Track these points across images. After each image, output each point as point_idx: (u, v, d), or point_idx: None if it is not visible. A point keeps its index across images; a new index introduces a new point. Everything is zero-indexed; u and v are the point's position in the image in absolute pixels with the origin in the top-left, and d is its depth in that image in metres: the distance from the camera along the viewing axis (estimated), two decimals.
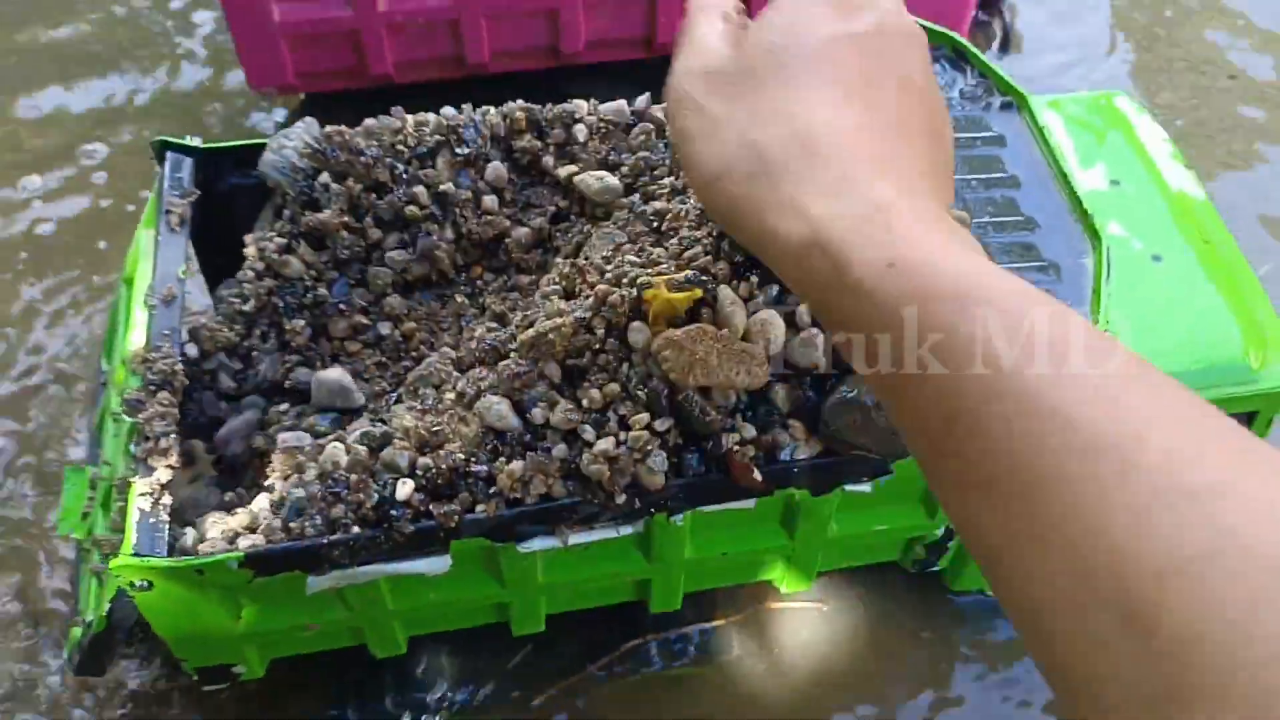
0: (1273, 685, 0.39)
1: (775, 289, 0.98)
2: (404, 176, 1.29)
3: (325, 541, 1.01)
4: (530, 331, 1.04)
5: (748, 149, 0.66)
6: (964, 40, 1.35)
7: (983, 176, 1.24)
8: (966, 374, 0.53)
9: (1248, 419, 1.19)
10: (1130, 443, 0.47)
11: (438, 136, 1.32)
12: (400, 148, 1.30)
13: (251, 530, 1.04)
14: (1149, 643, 0.43)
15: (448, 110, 1.37)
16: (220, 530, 1.04)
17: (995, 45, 3.05)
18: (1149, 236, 1.26)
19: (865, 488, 1.06)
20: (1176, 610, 0.42)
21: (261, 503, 1.06)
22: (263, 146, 1.33)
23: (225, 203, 1.38)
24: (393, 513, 1.01)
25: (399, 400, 1.18)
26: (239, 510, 1.08)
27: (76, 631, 1.11)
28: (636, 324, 1.01)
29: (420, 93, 2.63)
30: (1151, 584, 0.43)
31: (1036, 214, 1.21)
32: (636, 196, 1.23)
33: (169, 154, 1.36)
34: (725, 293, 0.98)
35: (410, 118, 1.34)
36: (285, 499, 1.04)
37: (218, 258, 1.38)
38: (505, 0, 2.29)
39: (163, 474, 1.04)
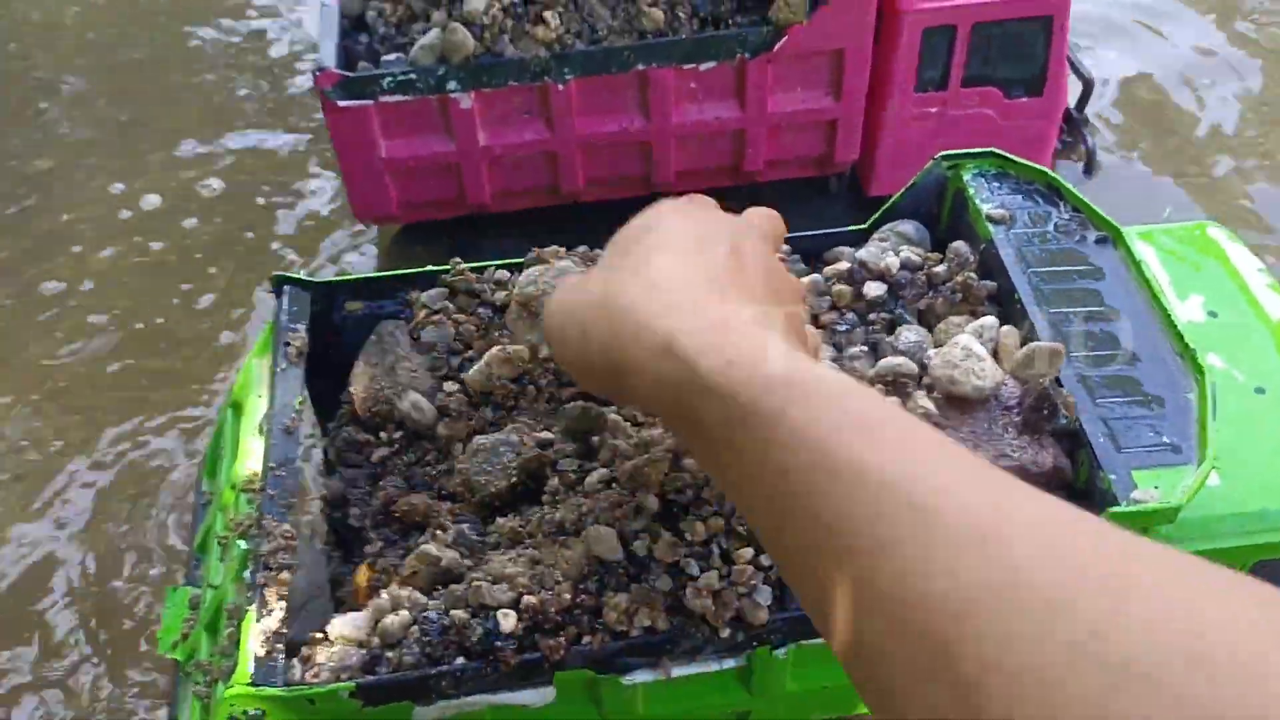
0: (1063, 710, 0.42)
1: None
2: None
3: (433, 672, 1.02)
4: (629, 464, 1.06)
5: (604, 308, 0.76)
6: (1057, 176, 1.37)
7: (1081, 310, 1.24)
8: (792, 454, 0.59)
9: None
10: (934, 501, 0.52)
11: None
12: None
13: (362, 651, 1.06)
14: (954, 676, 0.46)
15: None
16: (326, 656, 1.06)
17: (1080, 168, 3.09)
18: (1251, 368, 1.25)
19: None
20: (972, 647, 0.46)
21: (366, 630, 1.08)
22: (370, 280, 1.39)
23: (334, 332, 1.44)
24: (497, 644, 1.02)
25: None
26: (341, 635, 1.10)
27: None
28: None
29: (512, 220, 2.74)
30: (952, 625, 0.47)
31: (1137, 347, 1.21)
32: None
33: (286, 287, 1.40)
34: None
35: None
36: (391, 628, 1.06)
37: (321, 381, 1.46)
38: (601, 135, 2.41)
39: (278, 605, 1.07)
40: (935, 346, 1.20)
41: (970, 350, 1.13)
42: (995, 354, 1.18)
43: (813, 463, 0.57)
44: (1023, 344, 1.18)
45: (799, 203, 2.62)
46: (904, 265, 1.29)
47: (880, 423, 0.58)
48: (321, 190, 2.81)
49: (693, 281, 0.75)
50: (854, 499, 0.54)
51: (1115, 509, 1.02)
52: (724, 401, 0.64)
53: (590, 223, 2.56)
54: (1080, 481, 1.11)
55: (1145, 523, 1.04)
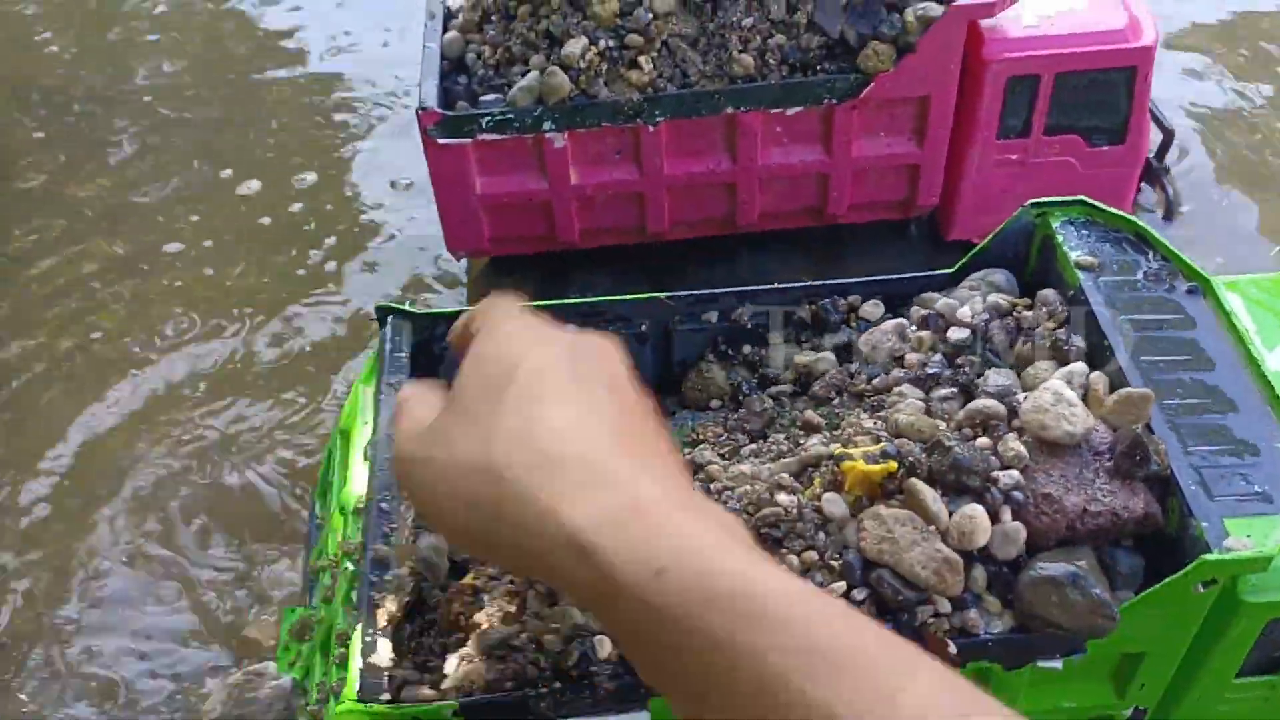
0: None
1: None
2: None
3: (533, 694, 1.05)
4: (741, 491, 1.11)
5: (488, 476, 0.64)
6: (1146, 225, 1.39)
7: (1171, 359, 1.26)
8: (744, 684, 0.52)
9: None
10: None
11: None
12: None
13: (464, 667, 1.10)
14: None
15: None
16: (434, 677, 1.11)
17: (1159, 214, 3.07)
18: None
19: (1056, 664, 1.07)
20: None
21: (469, 650, 1.12)
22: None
23: (433, 362, 1.50)
24: (592, 669, 1.06)
25: None
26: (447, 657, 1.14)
27: None
28: (831, 495, 1.06)
29: (597, 255, 2.80)
30: None
31: (1227, 396, 1.22)
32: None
33: (390, 318, 1.46)
34: (926, 491, 1.04)
35: None
36: (493, 650, 1.10)
37: None
38: (688, 176, 2.46)
39: (384, 625, 1.11)
40: (1025, 390, 1.22)
41: (1061, 395, 1.15)
42: (1085, 399, 1.20)
43: (772, 702, 0.51)
44: (1112, 390, 1.20)
45: (879, 244, 2.65)
46: (989, 310, 1.32)
47: (840, 652, 0.52)
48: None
49: (587, 442, 0.64)
50: None
51: (1208, 556, 1.03)
52: (656, 615, 0.55)
53: (672, 259, 2.63)
54: (1171, 528, 1.12)
55: (1237, 570, 1.05)
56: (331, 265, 2.80)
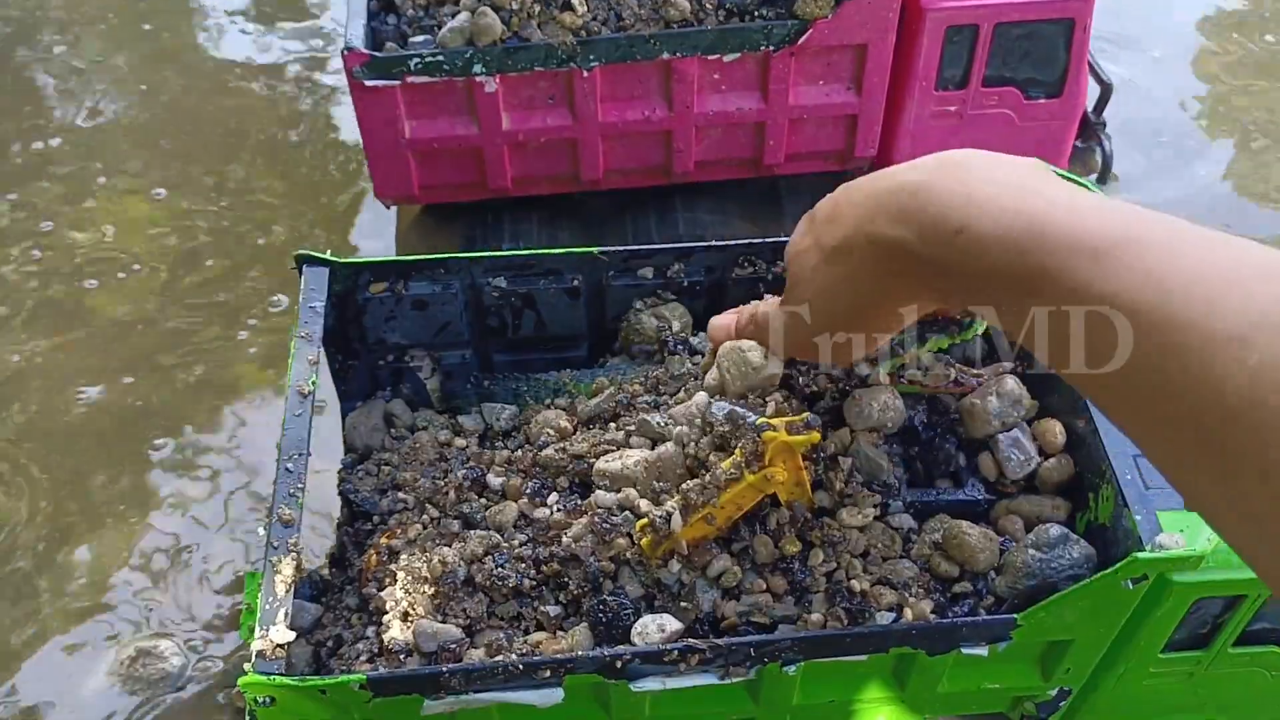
0: None
1: None
2: None
3: (445, 670, 1.02)
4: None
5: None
6: (1097, 189, 1.36)
7: None
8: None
9: None
10: None
11: None
12: None
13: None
14: None
15: None
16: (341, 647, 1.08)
17: (1094, 175, 3.07)
18: None
19: (981, 651, 1.05)
20: None
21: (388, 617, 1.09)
22: (395, 263, 1.40)
23: (358, 311, 1.45)
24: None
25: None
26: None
27: None
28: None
29: (531, 204, 2.74)
30: None
31: None
32: None
33: (306, 267, 1.40)
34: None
35: None
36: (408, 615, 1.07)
37: (350, 359, 1.49)
38: (623, 123, 2.40)
39: (284, 592, 1.07)
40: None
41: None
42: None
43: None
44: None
45: (817, 197, 2.60)
46: None
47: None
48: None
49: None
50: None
51: (1140, 555, 1.02)
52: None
53: (607, 211, 2.57)
54: (1105, 519, 1.11)
55: (1168, 569, 1.04)
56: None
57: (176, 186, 2.76)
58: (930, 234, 0.73)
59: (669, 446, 1.11)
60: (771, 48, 2.27)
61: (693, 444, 1.09)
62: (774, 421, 1.03)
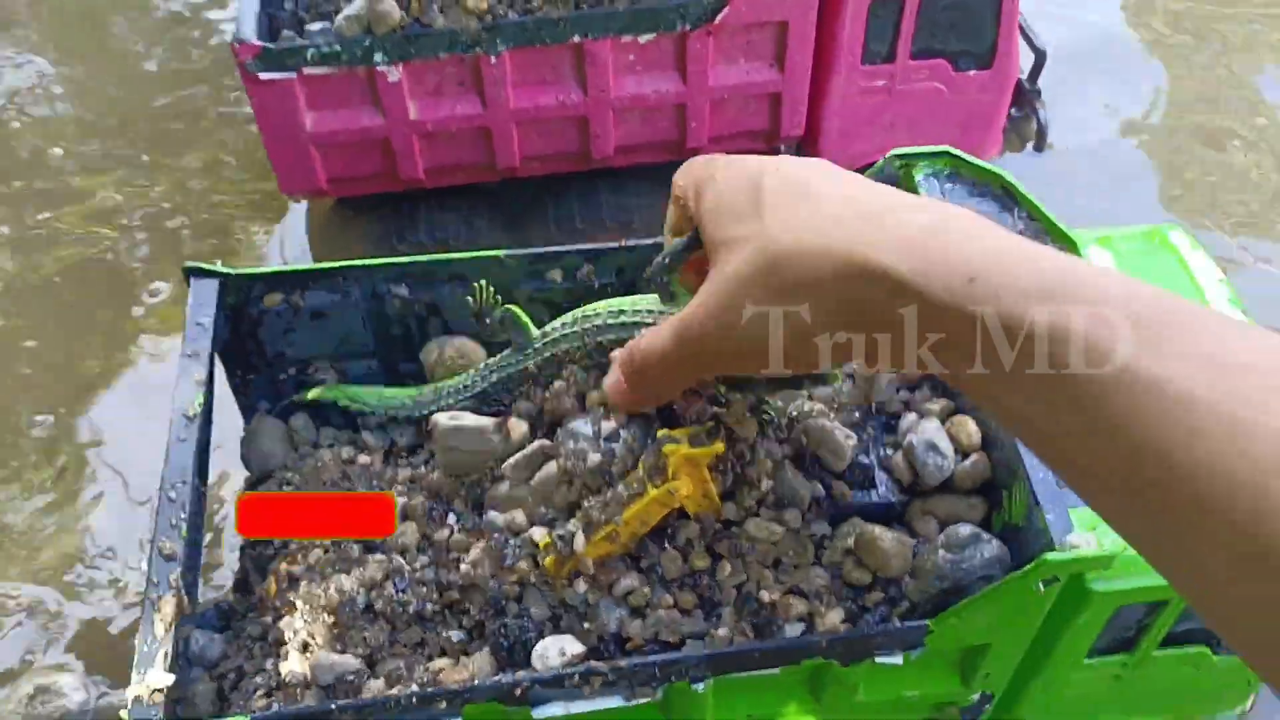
0: None
1: None
2: None
3: (334, 706, 0.98)
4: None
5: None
6: (1012, 179, 1.31)
7: None
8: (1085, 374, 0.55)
9: None
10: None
11: None
12: None
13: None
14: None
15: None
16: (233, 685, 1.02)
17: (1031, 143, 3.05)
18: None
19: (896, 659, 1.02)
20: None
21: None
22: (290, 273, 1.33)
23: (254, 325, 1.38)
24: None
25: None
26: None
27: None
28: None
29: (449, 195, 2.66)
30: None
31: None
32: None
33: (193, 280, 1.34)
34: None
35: None
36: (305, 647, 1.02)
37: (249, 373, 1.41)
38: (536, 109, 2.32)
39: (162, 634, 1.02)
40: None
41: None
42: None
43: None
44: None
45: None
46: None
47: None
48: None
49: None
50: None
51: (1049, 556, 0.97)
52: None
53: (528, 199, 2.50)
54: (1018, 518, 1.07)
55: (1079, 569, 1.00)
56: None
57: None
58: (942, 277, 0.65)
59: (551, 466, 1.06)
60: (688, 27, 2.21)
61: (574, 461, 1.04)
62: (675, 434, 0.99)
